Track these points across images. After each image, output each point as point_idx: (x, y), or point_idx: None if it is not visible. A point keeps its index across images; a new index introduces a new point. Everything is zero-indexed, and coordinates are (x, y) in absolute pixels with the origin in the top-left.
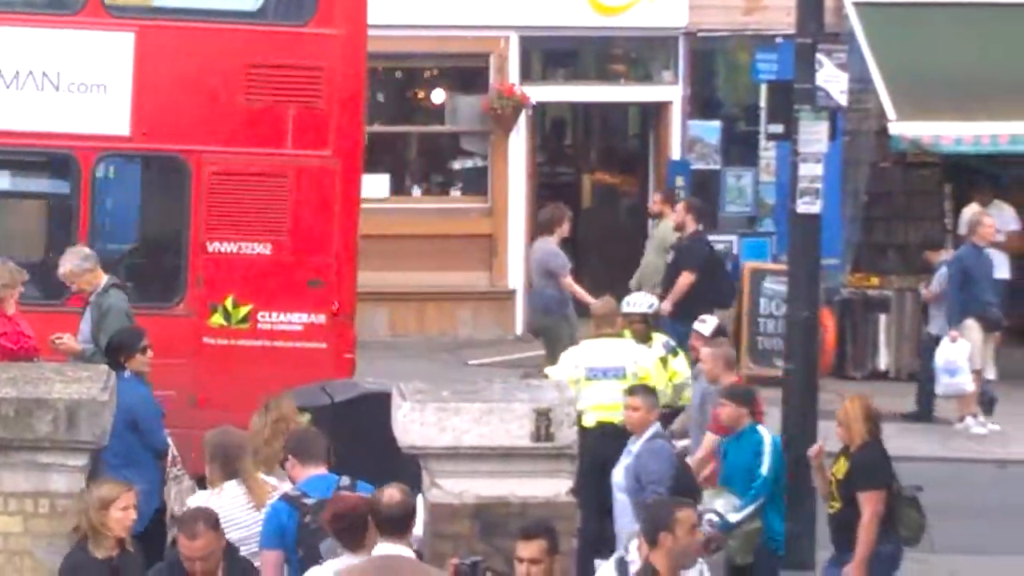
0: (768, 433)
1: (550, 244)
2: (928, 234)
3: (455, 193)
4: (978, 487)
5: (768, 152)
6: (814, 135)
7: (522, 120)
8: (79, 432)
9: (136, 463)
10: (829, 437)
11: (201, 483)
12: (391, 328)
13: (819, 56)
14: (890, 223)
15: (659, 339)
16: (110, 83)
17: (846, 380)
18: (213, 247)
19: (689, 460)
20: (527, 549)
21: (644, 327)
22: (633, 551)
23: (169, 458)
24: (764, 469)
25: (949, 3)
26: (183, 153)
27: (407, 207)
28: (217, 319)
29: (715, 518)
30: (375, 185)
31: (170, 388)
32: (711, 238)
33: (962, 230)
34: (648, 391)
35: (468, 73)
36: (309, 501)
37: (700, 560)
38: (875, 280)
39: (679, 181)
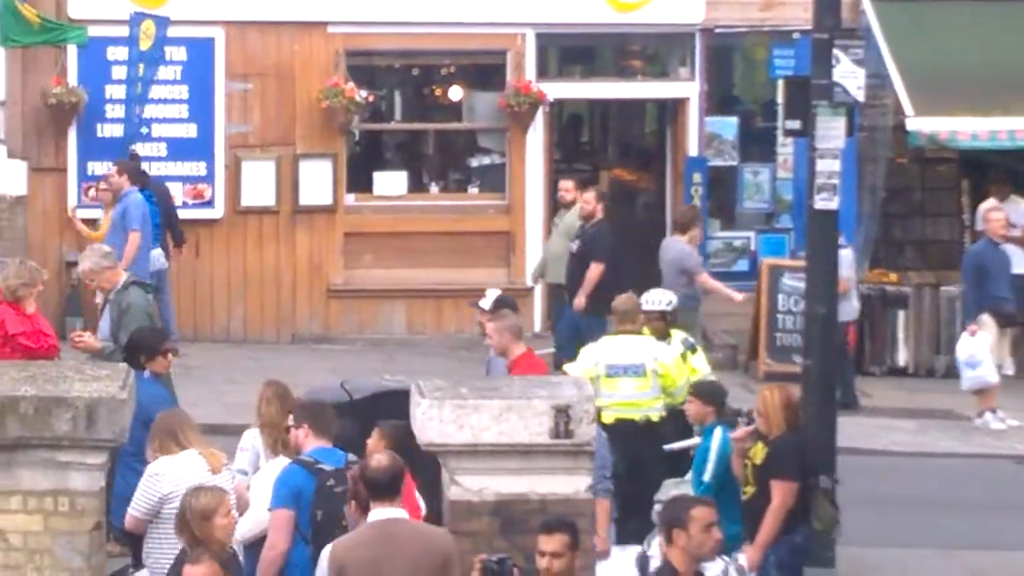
0: (719, 436)
1: (683, 243)
2: (946, 230)
3: (472, 190)
4: (997, 483)
5: (785, 148)
6: (831, 131)
7: (539, 117)
8: (98, 430)
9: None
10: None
11: None
12: (409, 325)
13: (836, 52)
14: (908, 219)
15: (678, 336)
16: None
17: (865, 376)
18: None
19: None
20: (549, 543)
21: (663, 324)
22: (655, 547)
23: None
24: (707, 475)
25: None
26: None
27: (424, 204)
28: None
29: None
30: (392, 182)
31: None
32: (729, 235)
33: (979, 226)
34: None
35: (485, 70)
36: (327, 468)
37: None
38: (893, 276)
39: (696, 177)
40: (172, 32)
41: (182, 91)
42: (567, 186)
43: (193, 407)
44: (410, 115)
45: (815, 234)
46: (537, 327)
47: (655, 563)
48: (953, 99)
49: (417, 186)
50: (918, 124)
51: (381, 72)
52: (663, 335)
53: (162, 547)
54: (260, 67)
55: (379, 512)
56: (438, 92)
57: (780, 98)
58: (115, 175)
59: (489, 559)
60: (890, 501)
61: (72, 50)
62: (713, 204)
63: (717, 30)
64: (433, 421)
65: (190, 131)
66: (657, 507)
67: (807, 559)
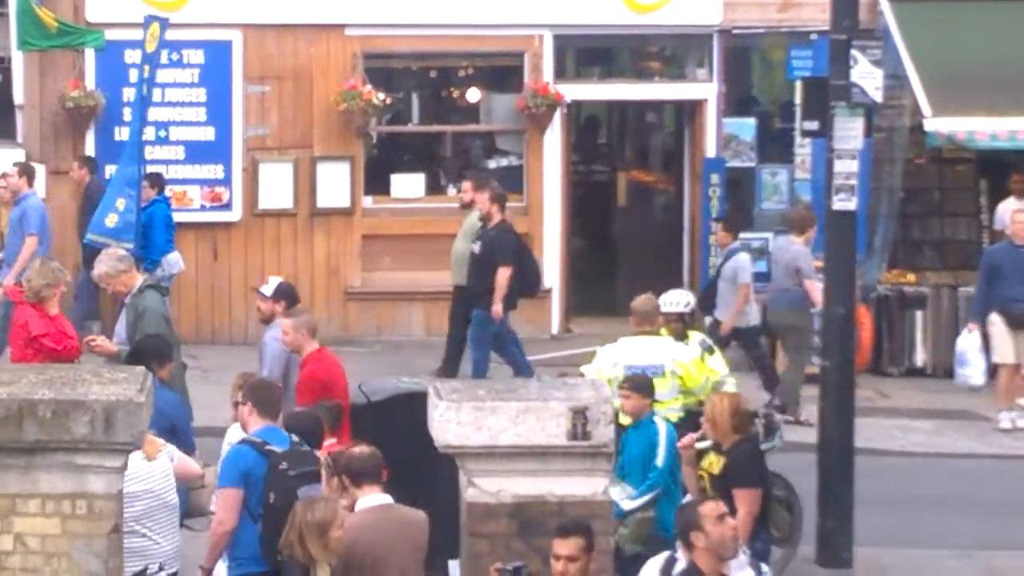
0: (664, 424)
1: (799, 244)
2: (964, 230)
3: None
4: (1015, 483)
5: (803, 149)
6: (849, 131)
7: (557, 118)
8: (116, 433)
9: None
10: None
11: None
12: (426, 328)
13: (854, 52)
14: (926, 220)
15: (695, 337)
16: None
17: (883, 377)
18: None
19: None
20: (564, 546)
21: (681, 326)
22: (681, 550)
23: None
24: (659, 460)
25: None
26: None
27: (442, 206)
28: None
29: None
30: (410, 184)
31: None
32: (747, 236)
33: (997, 225)
34: None
35: (503, 72)
36: (277, 450)
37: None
38: (911, 277)
39: (714, 178)
40: (190, 35)
41: (200, 94)
42: (466, 186)
43: (210, 409)
44: (428, 117)
45: (833, 235)
46: (555, 329)
47: (680, 565)
48: (971, 99)
49: (435, 188)
50: (936, 124)
51: (398, 74)
52: (681, 336)
53: None
54: (278, 70)
55: (371, 497)
56: (455, 94)
57: (798, 99)
58: (15, 175)
59: (504, 567)
60: (908, 502)
61: (90, 54)
62: (731, 205)
63: (735, 31)
64: (451, 423)
65: (208, 134)
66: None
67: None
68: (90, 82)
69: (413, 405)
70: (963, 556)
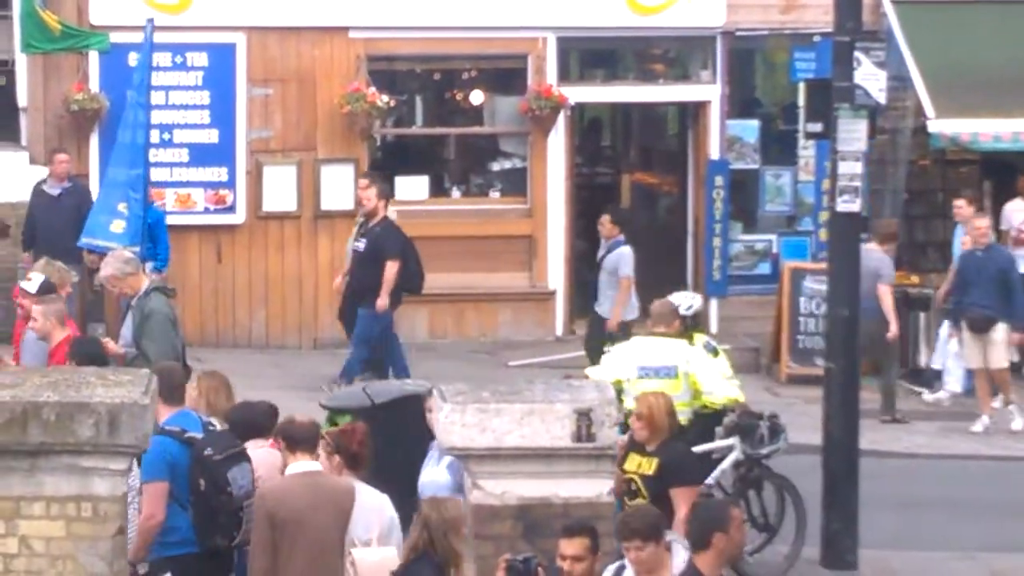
0: None
1: (882, 252)
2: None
3: (494, 194)
4: (1019, 485)
5: (807, 151)
6: (853, 133)
7: (560, 121)
8: (121, 436)
9: None
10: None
11: None
12: (431, 330)
13: (857, 54)
14: (930, 221)
15: (700, 339)
16: None
17: None
18: None
19: None
20: (570, 546)
21: (684, 328)
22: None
23: None
24: None
25: (988, 0)
26: None
27: (446, 209)
28: None
29: None
30: (414, 187)
31: None
32: (750, 238)
33: (1002, 227)
34: None
35: (506, 74)
36: (197, 437)
37: None
38: (915, 278)
39: (718, 180)
40: (193, 38)
41: (203, 96)
42: (363, 183)
43: None
44: (431, 120)
45: (837, 236)
46: (559, 331)
47: (629, 573)
48: (975, 100)
49: (439, 191)
50: (940, 126)
51: (402, 77)
52: (684, 338)
53: None
54: (281, 72)
55: (300, 464)
56: (459, 96)
57: (801, 101)
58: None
59: (514, 558)
60: (912, 503)
61: (94, 56)
62: (735, 207)
63: (738, 33)
64: (455, 425)
65: (211, 136)
66: None
67: None
68: (94, 85)
69: (417, 407)
70: (967, 558)
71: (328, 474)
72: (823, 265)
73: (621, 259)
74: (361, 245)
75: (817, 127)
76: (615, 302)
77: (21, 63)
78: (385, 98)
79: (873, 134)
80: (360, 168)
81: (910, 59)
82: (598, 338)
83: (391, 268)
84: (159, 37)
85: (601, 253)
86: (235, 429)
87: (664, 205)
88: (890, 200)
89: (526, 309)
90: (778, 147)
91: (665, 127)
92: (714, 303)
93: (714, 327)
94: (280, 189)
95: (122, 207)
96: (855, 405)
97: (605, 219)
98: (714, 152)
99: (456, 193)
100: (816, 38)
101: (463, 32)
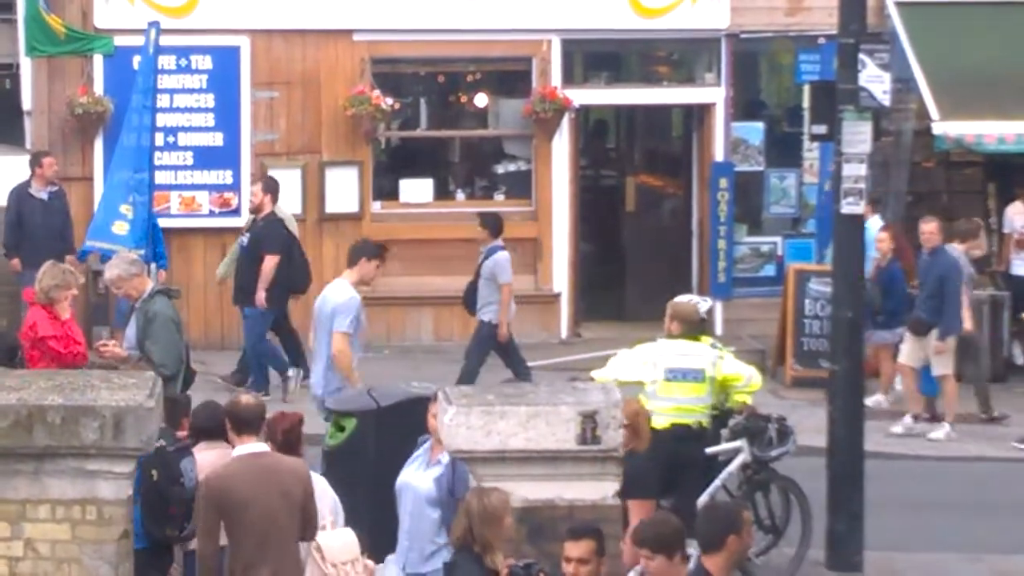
0: None
1: (960, 251)
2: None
3: (499, 197)
4: None
5: (811, 153)
6: (857, 135)
7: (565, 123)
8: (126, 439)
9: None
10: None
11: None
12: (436, 332)
13: (862, 56)
14: None
15: (706, 341)
16: None
17: None
18: None
19: None
20: (576, 549)
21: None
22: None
23: None
24: None
25: (991, 2)
26: None
27: (451, 211)
28: None
29: None
30: (419, 189)
31: None
32: (755, 240)
33: (1005, 229)
34: None
35: (510, 77)
36: None
37: None
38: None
39: (723, 182)
40: (198, 41)
41: (208, 99)
42: (254, 190)
43: None
44: (436, 122)
45: (841, 239)
46: (564, 334)
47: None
48: (979, 102)
49: (443, 193)
50: (944, 128)
51: (406, 80)
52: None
53: None
54: (286, 75)
55: (247, 446)
56: (464, 99)
57: (806, 103)
58: None
59: (516, 565)
60: (918, 505)
61: (98, 60)
62: (739, 209)
63: (743, 35)
64: (460, 428)
65: (216, 139)
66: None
67: None
68: (98, 88)
69: (422, 410)
70: (973, 560)
71: (276, 454)
72: (827, 267)
73: (497, 265)
74: (245, 240)
75: (821, 129)
76: (499, 310)
77: (25, 66)
78: (389, 101)
79: (877, 136)
80: (365, 171)
81: (914, 61)
82: (485, 346)
83: (269, 262)
84: (163, 40)
85: (479, 260)
86: (193, 431)
87: (669, 207)
88: (894, 202)
89: (531, 311)
90: (783, 149)
91: (670, 129)
92: (719, 305)
93: (719, 329)
94: (285, 192)
95: (125, 209)
96: (859, 407)
97: (479, 226)
98: (719, 154)
99: (460, 196)
100: (820, 40)
101: (467, 35)
